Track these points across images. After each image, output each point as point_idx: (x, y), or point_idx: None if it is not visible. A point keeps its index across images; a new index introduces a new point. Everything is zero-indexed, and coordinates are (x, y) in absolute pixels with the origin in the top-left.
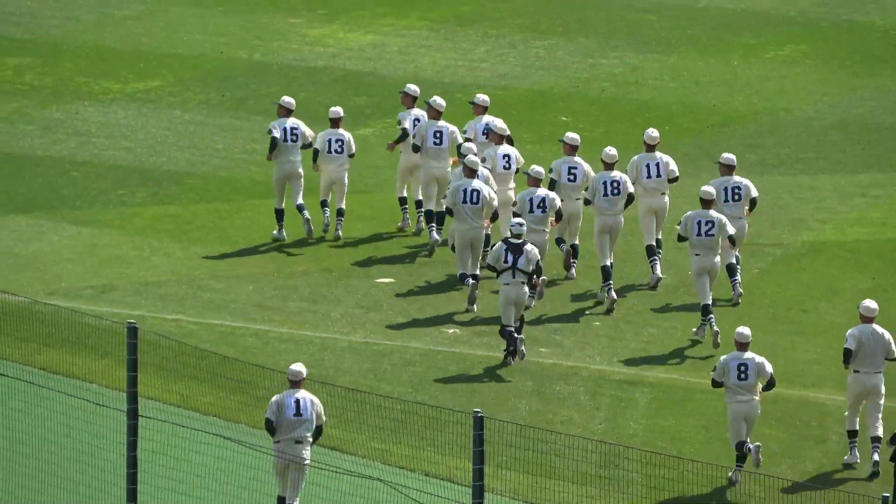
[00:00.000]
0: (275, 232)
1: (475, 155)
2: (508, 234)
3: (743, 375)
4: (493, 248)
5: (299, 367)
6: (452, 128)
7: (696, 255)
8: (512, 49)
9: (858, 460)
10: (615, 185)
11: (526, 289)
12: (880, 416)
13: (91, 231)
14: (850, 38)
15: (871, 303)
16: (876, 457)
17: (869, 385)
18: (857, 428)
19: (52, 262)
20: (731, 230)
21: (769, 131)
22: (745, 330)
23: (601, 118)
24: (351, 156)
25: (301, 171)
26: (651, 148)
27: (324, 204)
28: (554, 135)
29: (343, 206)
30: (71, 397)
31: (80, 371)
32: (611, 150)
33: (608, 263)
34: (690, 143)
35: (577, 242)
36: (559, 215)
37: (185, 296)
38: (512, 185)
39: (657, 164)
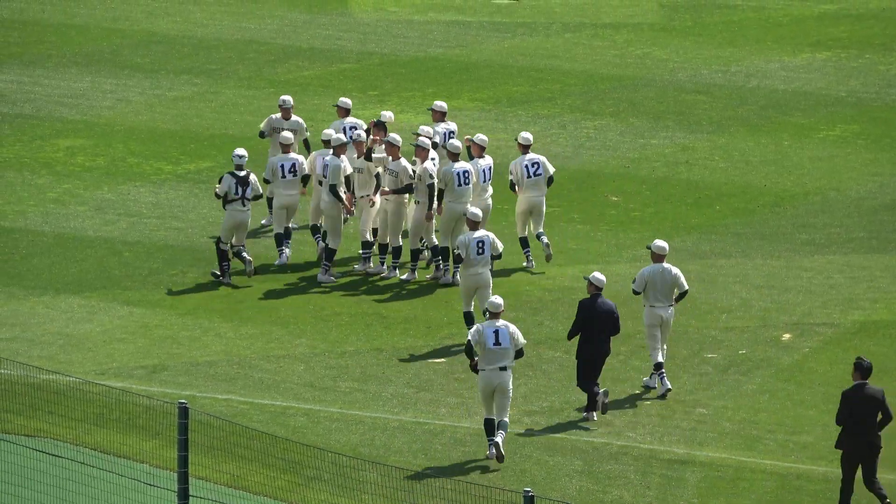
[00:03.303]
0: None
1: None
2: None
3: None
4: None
5: (499, 300)
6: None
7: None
8: (562, 130)
9: (670, 388)
10: (536, 166)
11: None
12: (665, 346)
13: (142, 311)
14: None
15: (662, 242)
16: (667, 382)
17: (662, 316)
18: (662, 360)
19: (103, 342)
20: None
21: (820, 211)
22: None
23: (651, 198)
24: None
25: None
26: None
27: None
28: (604, 215)
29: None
30: (122, 477)
31: (132, 451)
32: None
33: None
34: (741, 222)
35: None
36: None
37: (236, 376)
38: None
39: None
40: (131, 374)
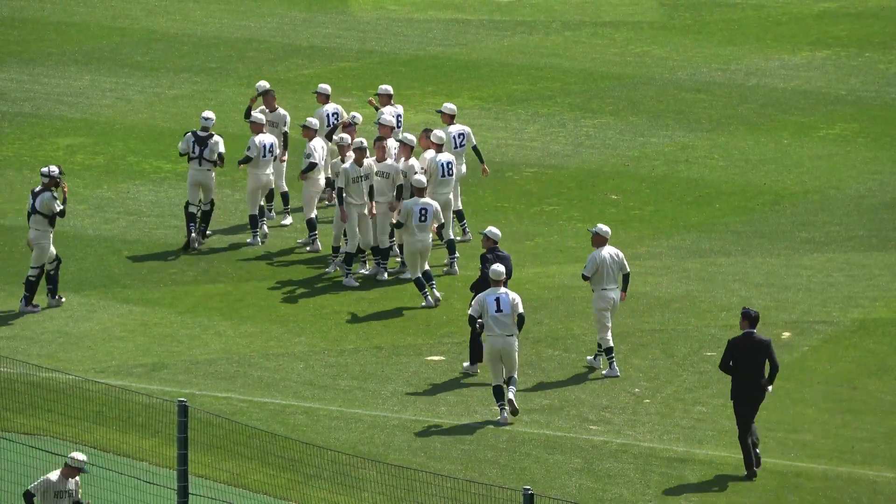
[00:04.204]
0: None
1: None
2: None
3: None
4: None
5: (500, 268)
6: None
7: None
8: (562, 128)
9: (617, 374)
10: (449, 166)
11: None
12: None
13: (142, 309)
14: None
15: (604, 226)
16: (611, 367)
17: (613, 299)
18: (612, 345)
19: (102, 340)
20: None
21: (820, 209)
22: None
23: (651, 196)
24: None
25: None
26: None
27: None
28: (603, 213)
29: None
30: (122, 475)
31: (131, 449)
32: (440, 132)
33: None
34: (741, 221)
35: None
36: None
37: (236, 374)
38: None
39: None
40: (131, 372)
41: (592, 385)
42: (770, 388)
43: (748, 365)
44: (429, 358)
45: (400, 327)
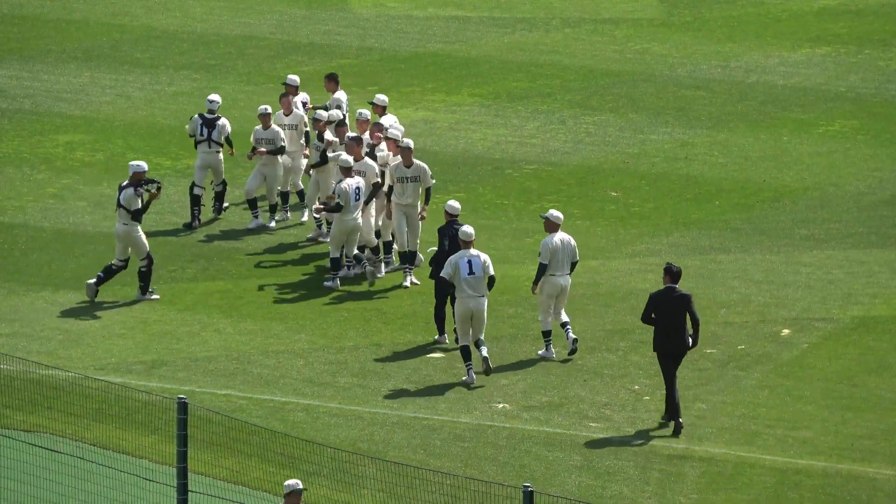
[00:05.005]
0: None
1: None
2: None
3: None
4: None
5: (469, 230)
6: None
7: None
8: (562, 125)
9: (554, 356)
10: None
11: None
12: (563, 310)
13: (141, 307)
14: None
15: (556, 212)
16: (572, 334)
17: (562, 285)
18: (551, 328)
19: (102, 337)
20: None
21: (819, 206)
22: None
23: (651, 193)
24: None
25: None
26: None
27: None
28: (603, 210)
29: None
30: (121, 473)
31: (131, 446)
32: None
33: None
34: (740, 218)
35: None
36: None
37: (235, 371)
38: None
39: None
40: (130, 370)
41: (592, 382)
42: (693, 343)
43: (670, 318)
44: (429, 356)
45: (400, 325)
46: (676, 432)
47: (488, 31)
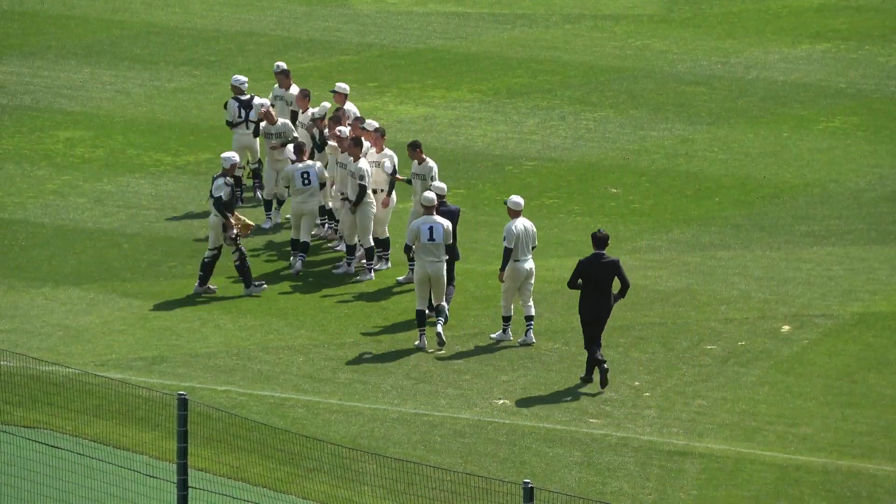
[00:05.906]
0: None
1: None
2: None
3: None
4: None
5: (431, 195)
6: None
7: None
8: (562, 121)
9: (511, 338)
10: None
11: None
12: (531, 298)
13: (141, 303)
14: None
15: (518, 198)
16: (531, 335)
17: (528, 269)
18: (512, 314)
19: (102, 333)
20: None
21: (819, 202)
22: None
23: (651, 190)
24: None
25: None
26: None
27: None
28: (603, 206)
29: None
30: (122, 468)
31: (131, 442)
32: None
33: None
34: (740, 214)
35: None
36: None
37: (236, 367)
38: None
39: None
40: (130, 366)
41: (593, 378)
42: (615, 300)
43: (598, 282)
44: (429, 352)
45: (400, 321)
46: (603, 383)
47: (488, 27)
